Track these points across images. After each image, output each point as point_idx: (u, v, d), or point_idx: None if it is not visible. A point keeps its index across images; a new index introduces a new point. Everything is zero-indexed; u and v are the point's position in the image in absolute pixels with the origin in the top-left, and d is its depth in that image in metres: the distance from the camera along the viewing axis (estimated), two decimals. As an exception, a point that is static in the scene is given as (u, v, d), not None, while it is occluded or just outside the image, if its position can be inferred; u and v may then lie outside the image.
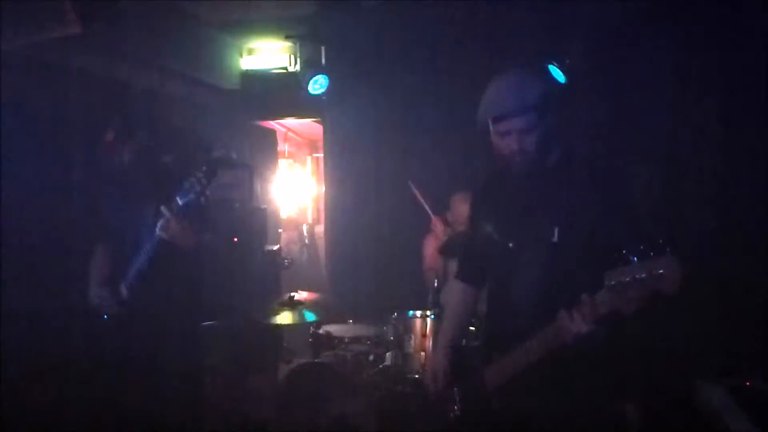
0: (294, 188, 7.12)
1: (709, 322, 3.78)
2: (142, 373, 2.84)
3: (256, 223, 5.18)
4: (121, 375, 2.87)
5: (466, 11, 4.48)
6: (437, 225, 4.15)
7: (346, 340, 3.90)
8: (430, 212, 4.21)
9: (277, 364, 4.11)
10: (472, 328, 3.30)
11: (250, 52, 5.45)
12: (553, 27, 4.41)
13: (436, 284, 3.68)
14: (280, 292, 3.99)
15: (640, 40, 4.32)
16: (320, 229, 6.35)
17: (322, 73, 4.90)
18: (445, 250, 3.90)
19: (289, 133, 7.06)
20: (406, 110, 5.07)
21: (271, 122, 6.29)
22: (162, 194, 2.75)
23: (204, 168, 2.65)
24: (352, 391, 3.61)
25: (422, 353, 3.52)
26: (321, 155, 6.01)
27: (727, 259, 3.94)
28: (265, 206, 5.52)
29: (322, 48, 4.97)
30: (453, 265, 3.24)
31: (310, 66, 4.95)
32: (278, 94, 5.43)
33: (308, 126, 6.65)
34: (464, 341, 3.07)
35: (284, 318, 3.64)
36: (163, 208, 2.71)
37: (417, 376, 3.48)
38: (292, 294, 3.75)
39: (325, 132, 5.54)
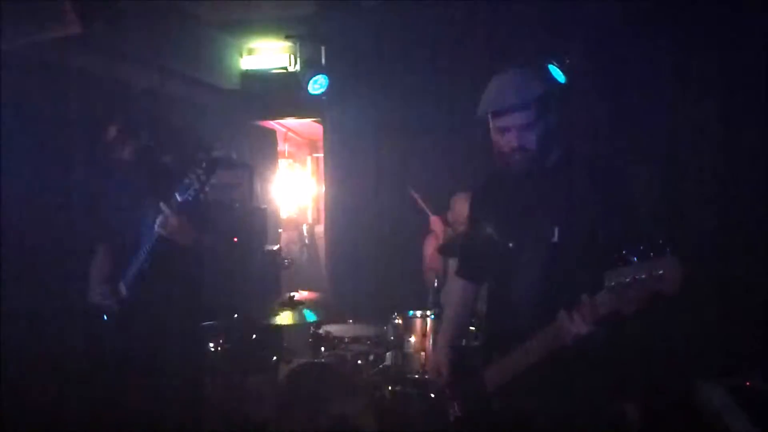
0: (294, 188, 7.11)
1: (709, 322, 3.79)
2: (141, 372, 2.84)
3: (256, 223, 5.18)
4: (120, 374, 2.87)
5: (466, 11, 4.48)
6: (437, 225, 4.15)
7: (346, 340, 3.90)
8: (429, 213, 4.21)
9: (277, 364, 4.10)
10: (472, 328, 3.29)
11: (250, 52, 5.44)
12: (553, 27, 4.41)
13: (436, 284, 3.68)
14: (280, 292, 3.99)
15: (640, 40, 4.32)
16: (320, 229, 6.34)
17: (322, 73, 4.90)
18: (445, 250, 3.90)
19: (289, 133, 7.06)
20: (406, 110, 5.07)
21: (271, 122, 6.29)
22: (161, 193, 2.75)
23: (203, 165, 2.65)
24: (352, 391, 3.61)
25: (422, 353, 3.51)
26: (321, 155, 6.00)
27: (727, 259, 3.94)
28: (265, 206, 5.52)
29: (322, 48, 4.97)
30: (453, 265, 3.24)
31: (310, 66, 4.95)
32: (278, 94, 5.43)
33: (308, 126, 6.64)
34: (464, 341, 3.08)
35: (284, 318, 3.64)
36: (162, 205, 2.71)
37: (417, 376, 3.48)
38: (292, 294, 3.75)
39: (325, 132, 5.54)
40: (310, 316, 3.68)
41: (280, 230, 6.31)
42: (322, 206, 6.13)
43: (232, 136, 5.40)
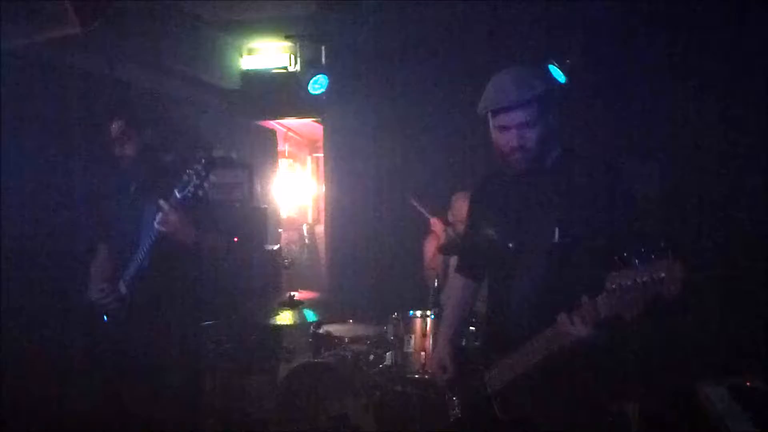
0: (294, 188, 7.11)
1: (709, 322, 3.78)
2: (141, 372, 2.84)
3: (256, 222, 5.18)
4: (120, 374, 2.86)
5: (466, 11, 4.48)
6: (437, 226, 4.14)
7: (346, 340, 3.90)
8: (429, 216, 4.20)
9: (277, 364, 4.11)
10: (472, 327, 3.29)
11: (251, 51, 5.44)
12: (553, 27, 4.41)
13: (436, 284, 3.67)
14: (280, 292, 3.98)
15: (640, 40, 4.32)
16: (320, 229, 6.35)
17: (322, 73, 4.90)
18: (446, 250, 3.90)
19: (289, 133, 7.06)
20: (406, 110, 5.07)
21: (272, 122, 6.29)
22: (162, 192, 2.74)
23: (202, 161, 2.64)
24: (352, 391, 3.61)
25: (422, 353, 3.51)
26: (321, 155, 6.01)
27: (728, 259, 3.94)
28: (266, 206, 5.53)
29: (323, 48, 4.97)
30: (454, 265, 3.24)
31: (311, 66, 4.95)
32: (278, 93, 5.43)
33: (308, 126, 6.65)
34: (464, 341, 3.08)
35: (284, 318, 3.64)
36: (161, 202, 2.70)
37: (417, 376, 3.48)
38: (293, 294, 3.75)
39: (325, 132, 5.54)
40: (310, 316, 3.67)
41: (280, 230, 6.31)
42: (322, 206, 6.14)
43: (233, 136, 5.40)
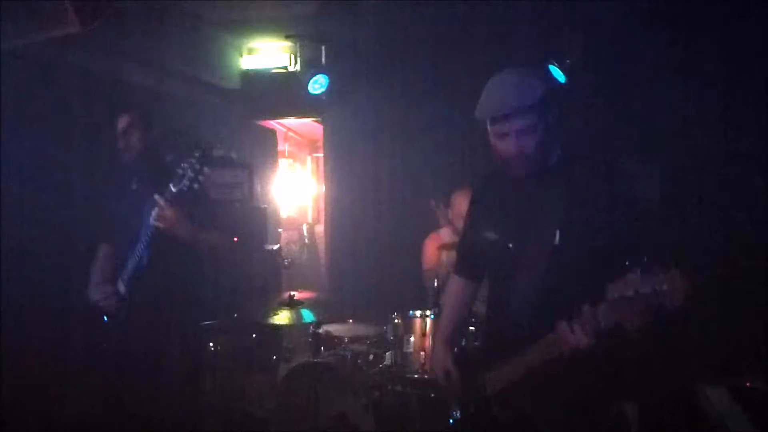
0: (294, 188, 7.11)
1: (709, 323, 3.78)
2: (141, 371, 2.84)
3: (256, 222, 5.18)
4: (120, 373, 2.87)
5: (466, 11, 4.47)
6: (445, 232, 4.15)
7: (346, 339, 3.90)
8: (443, 224, 4.18)
9: (277, 364, 4.10)
10: (471, 328, 3.29)
11: (251, 51, 5.45)
12: (553, 27, 4.41)
13: (436, 284, 3.67)
14: (280, 292, 3.98)
15: (640, 40, 4.31)
16: (320, 228, 6.34)
17: (322, 73, 4.90)
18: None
19: (289, 133, 7.06)
20: (406, 110, 5.07)
21: (272, 122, 6.29)
22: (161, 190, 2.73)
23: (197, 154, 2.63)
24: (351, 391, 3.61)
25: (422, 353, 3.51)
26: (321, 155, 6.00)
27: (728, 259, 3.94)
28: (265, 206, 5.53)
29: (323, 47, 4.97)
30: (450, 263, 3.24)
31: (311, 65, 4.95)
32: (278, 93, 5.43)
33: (308, 126, 6.65)
34: (464, 341, 3.07)
35: (284, 318, 3.64)
36: (156, 197, 2.69)
37: (417, 376, 3.48)
38: (292, 293, 3.75)
39: (325, 132, 5.54)
40: (308, 316, 3.67)
41: (280, 230, 6.31)
42: (322, 206, 6.13)
43: (233, 136, 5.40)
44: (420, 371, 3.46)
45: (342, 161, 5.37)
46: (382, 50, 5.04)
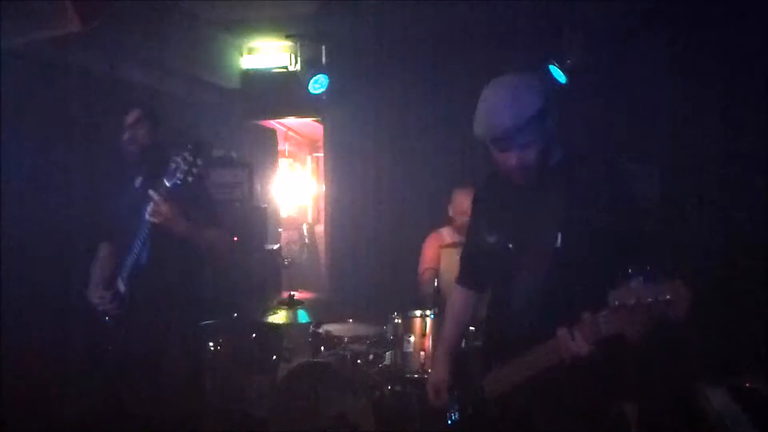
0: (294, 188, 7.12)
1: (709, 323, 3.78)
2: (141, 370, 2.84)
3: (256, 222, 5.17)
4: (120, 373, 2.87)
5: (466, 11, 4.47)
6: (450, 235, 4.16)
7: (346, 339, 3.90)
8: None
9: (277, 364, 4.10)
10: (472, 328, 3.29)
11: (251, 51, 5.45)
12: (553, 27, 4.41)
13: (436, 284, 3.67)
14: (280, 292, 3.98)
15: (640, 40, 4.32)
16: (320, 228, 6.34)
17: (323, 73, 4.90)
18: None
19: (290, 133, 7.06)
20: (407, 110, 5.07)
21: (272, 121, 6.29)
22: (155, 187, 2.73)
23: (189, 147, 2.61)
24: (351, 391, 3.61)
25: (422, 353, 3.51)
26: (321, 155, 6.00)
27: (728, 259, 3.94)
28: (265, 205, 5.52)
29: (323, 47, 4.97)
30: (451, 266, 3.24)
31: (311, 65, 4.95)
32: (279, 93, 5.43)
33: (308, 125, 6.65)
34: (464, 342, 3.07)
35: (284, 317, 3.64)
36: (150, 192, 2.68)
37: (416, 375, 3.48)
38: (292, 293, 3.75)
39: (325, 131, 5.54)
40: (303, 317, 3.67)
41: (280, 229, 6.31)
42: (322, 206, 6.13)
43: (233, 136, 5.40)
44: (420, 371, 3.46)
45: (342, 161, 5.37)
46: (382, 50, 5.04)
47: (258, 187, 5.49)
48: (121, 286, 2.87)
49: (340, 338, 3.91)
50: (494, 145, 1.97)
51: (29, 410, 3.17)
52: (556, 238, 1.96)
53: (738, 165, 4.09)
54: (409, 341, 3.56)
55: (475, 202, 2.38)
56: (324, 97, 5.00)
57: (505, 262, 2.12)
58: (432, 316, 3.55)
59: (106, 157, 3.41)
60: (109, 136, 3.04)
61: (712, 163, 4.18)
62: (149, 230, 2.74)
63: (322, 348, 3.90)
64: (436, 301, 3.59)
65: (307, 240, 6.88)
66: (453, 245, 3.91)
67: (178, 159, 2.60)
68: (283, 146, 6.86)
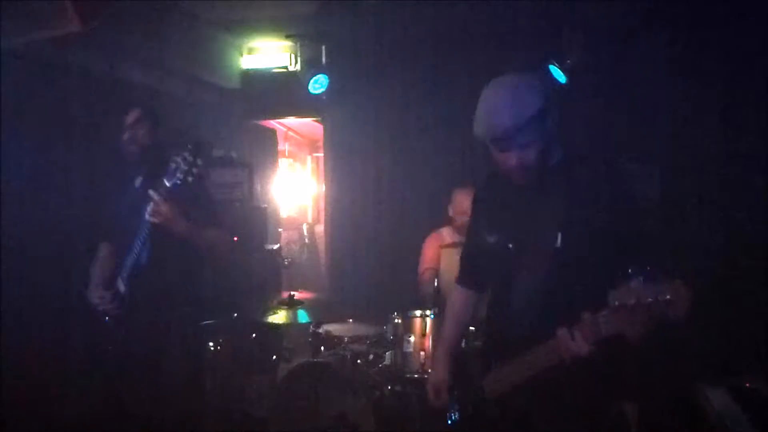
0: (294, 188, 7.12)
1: (709, 323, 3.78)
2: (141, 370, 2.84)
3: (256, 222, 5.17)
4: (120, 372, 2.87)
5: (466, 11, 4.48)
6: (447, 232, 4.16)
7: (346, 339, 3.90)
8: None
9: (277, 364, 4.10)
10: (471, 327, 3.29)
11: (251, 51, 5.45)
12: (553, 27, 4.41)
13: (436, 283, 3.67)
14: (280, 292, 3.98)
15: (640, 40, 4.32)
16: (320, 228, 6.34)
17: (323, 73, 4.90)
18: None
19: (290, 133, 7.06)
20: (407, 110, 5.07)
21: (272, 121, 6.29)
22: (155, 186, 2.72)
23: (189, 147, 2.61)
24: (351, 391, 3.61)
25: (422, 353, 3.51)
26: (321, 155, 6.01)
27: (728, 259, 3.94)
28: (266, 205, 5.52)
29: (323, 47, 4.97)
30: (451, 266, 3.24)
31: (311, 65, 4.95)
32: (279, 93, 5.43)
33: (308, 125, 6.65)
34: (464, 342, 3.06)
35: (284, 317, 3.64)
36: (150, 192, 2.68)
37: (416, 375, 3.48)
38: (292, 293, 3.75)
39: (325, 131, 5.54)
40: (302, 317, 3.67)
41: (280, 229, 6.31)
42: (322, 206, 6.13)
43: (233, 136, 5.41)
44: (420, 371, 3.46)
45: (342, 161, 5.37)
46: (382, 50, 5.04)
47: (258, 187, 5.49)
48: (121, 286, 2.87)
49: (340, 338, 3.91)
50: (494, 145, 1.97)
51: (29, 410, 3.17)
52: (556, 238, 1.96)
53: (738, 165, 4.08)
54: (409, 341, 3.56)
55: (475, 202, 2.38)
56: (324, 97, 5.00)
57: (505, 262, 2.12)
58: (432, 316, 3.55)
59: (106, 157, 3.41)
60: (109, 136, 3.04)
61: (712, 163, 4.18)
62: (149, 230, 2.74)
63: (322, 348, 3.90)
64: (436, 301, 3.59)
65: (307, 240, 6.89)
66: (453, 245, 3.91)
67: (178, 159, 2.60)
68: (283, 146, 6.86)
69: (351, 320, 4.13)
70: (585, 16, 4.27)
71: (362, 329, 3.99)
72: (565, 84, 4.35)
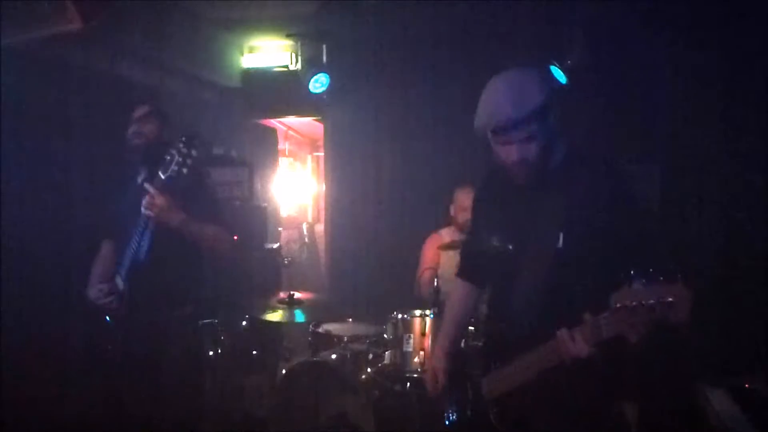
0: (294, 187, 7.11)
1: (709, 324, 3.79)
2: (141, 370, 2.83)
3: (256, 221, 5.18)
4: (120, 372, 2.86)
5: (466, 11, 4.47)
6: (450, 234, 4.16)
7: (346, 338, 3.90)
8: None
9: (277, 363, 4.10)
10: (471, 328, 3.29)
11: (252, 50, 5.45)
12: (553, 27, 4.41)
13: (436, 283, 3.67)
14: (280, 291, 3.99)
15: (640, 40, 4.31)
16: (320, 227, 6.34)
17: (323, 72, 4.90)
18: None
19: (290, 132, 7.05)
20: (407, 109, 5.07)
21: (272, 120, 6.29)
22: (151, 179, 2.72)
23: (183, 138, 2.60)
24: (351, 390, 3.61)
25: (421, 352, 3.51)
26: (321, 154, 6.00)
27: (728, 259, 3.94)
28: (266, 204, 5.52)
29: (324, 46, 4.97)
30: (451, 266, 3.23)
31: (312, 64, 4.95)
32: (279, 92, 5.43)
33: (309, 124, 6.64)
34: (464, 342, 3.07)
35: (284, 317, 3.64)
36: (146, 185, 2.68)
37: (416, 375, 3.48)
38: (292, 292, 3.75)
39: (325, 131, 5.54)
40: (299, 317, 3.67)
41: (280, 229, 6.30)
42: (322, 205, 6.14)
43: (233, 134, 5.41)
44: (420, 371, 3.47)
45: (342, 160, 5.37)
46: (382, 49, 5.04)
47: (258, 186, 5.49)
48: (120, 283, 2.86)
49: (339, 338, 3.91)
50: (495, 136, 1.96)
51: (29, 410, 3.17)
52: (557, 238, 1.95)
53: (738, 165, 4.08)
54: (408, 341, 3.56)
55: (476, 201, 2.38)
56: (324, 97, 4.99)
57: (505, 262, 2.12)
58: (431, 316, 3.55)
59: (106, 156, 3.41)
60: (110, 135, 3.04)
61: (712, 163, 4.18)
62: (146, 224, 2.73)
63: (322, 347, 3.90)
64: (436, 301, 3.59)
65: (307, 239, 6.88)
66: (453, 245, 3.92)
67: (173, 151, 2.60)
68: (283, 145, 6.85)
69: (350, 320, 4.14)
70: (585, 16, 4.27)
71: (362, 329, 3.99)
72: (566, 84, 4.34)
